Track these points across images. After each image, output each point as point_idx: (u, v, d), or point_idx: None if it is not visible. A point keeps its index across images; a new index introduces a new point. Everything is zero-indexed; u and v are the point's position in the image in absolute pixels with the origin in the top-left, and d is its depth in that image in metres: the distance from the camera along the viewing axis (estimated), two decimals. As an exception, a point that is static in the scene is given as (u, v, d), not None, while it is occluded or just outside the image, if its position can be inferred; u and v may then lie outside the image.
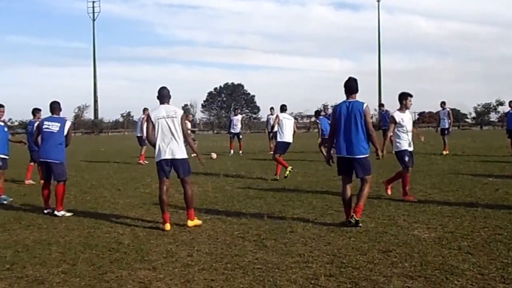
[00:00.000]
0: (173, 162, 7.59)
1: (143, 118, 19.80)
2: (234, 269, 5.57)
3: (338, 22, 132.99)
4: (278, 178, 13.35)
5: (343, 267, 5.48)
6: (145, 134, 18.61)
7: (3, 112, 11.12)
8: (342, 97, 7.65)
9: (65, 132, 9.07)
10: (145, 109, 20.37)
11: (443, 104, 21.12)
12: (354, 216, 7.30)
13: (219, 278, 5.29)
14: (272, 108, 23.99)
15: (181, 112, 7.73)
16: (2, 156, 10.70)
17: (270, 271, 5.42)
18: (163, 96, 7.79)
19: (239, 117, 25.65)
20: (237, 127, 24.42)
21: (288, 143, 13.74)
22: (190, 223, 7.65)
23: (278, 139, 13.69)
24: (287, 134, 13.66)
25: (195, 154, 8.41)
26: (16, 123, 70.45)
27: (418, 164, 16.06)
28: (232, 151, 23.60)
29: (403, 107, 9.68)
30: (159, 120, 7.60)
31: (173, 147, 7.55)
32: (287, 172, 13.26)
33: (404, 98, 9.66)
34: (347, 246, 6.36)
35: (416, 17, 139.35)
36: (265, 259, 5.90)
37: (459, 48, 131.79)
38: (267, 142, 23.81)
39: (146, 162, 18.97)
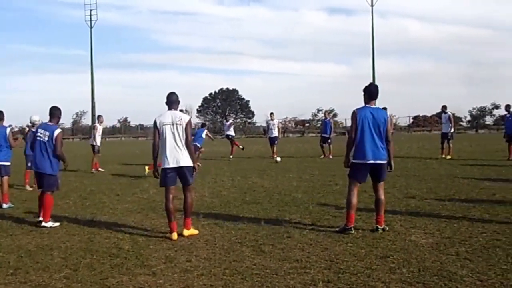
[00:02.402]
0: (178, 170, 7.50)
1: (94, 127, 19.90)
2: (232, 274, 5.60)
3: (332, 27, 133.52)
4: None
5: (341, 273, 5.51)
6: (97, 143, 18.81)
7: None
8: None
9: (53, 140, 8.74)
10: (99, 117, 20.52)
11: (444, 108, 21.18)
12: (379, 226, 7.43)
13: (218, 283, 5.32)
14: (272, 113, 24.19)
15: (187, 118, 7.60)
16: (4, 163, 10.71)
17: (268, 277, 5.45)
18: (171, 102, 7.68)
19: (231, 121, 26.30)
20: (230, 131, 24.89)
21: None
22: (186, 232, 7.51)
23: None
24: None
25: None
26: (16, 129, 70.29)
27: (414, 168, 16.21)
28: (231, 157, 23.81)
29: None
30: (164, 126, 7.49)
31: (177, 155, 7.44)
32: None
33: None
34: (345, 251, 6.40)
35: (410, 21, 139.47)
36: (263, 264, 5.94)
37: (455, 52, 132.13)
38: (263, 146, 23.93)
39: (102, 169, 18.96)
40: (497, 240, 6.70)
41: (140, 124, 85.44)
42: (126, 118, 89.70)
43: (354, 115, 7.53)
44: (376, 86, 7.73)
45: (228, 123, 25.92)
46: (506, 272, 5.37)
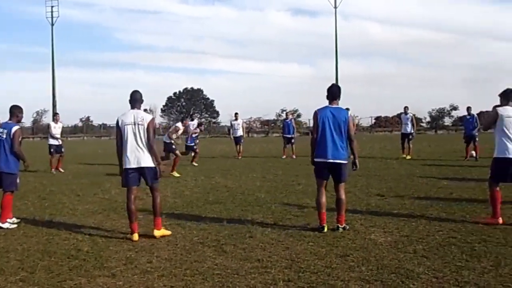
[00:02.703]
0: (140, 171, 7.41)
1: (48, 126, 19.56)
2: (193, 275, 5.58)
3: (296, 28, 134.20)
4: None
5: (301, 272, 5.56)
6: (54, 142, 18.49)
7: None
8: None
9: (11, 137, 8.56)
10: (55, 115, 20.33)
11: (406, 109, 21.57)
12: (339, 225, 7.50)
13: (178, 284, 5.30)
14: (236, 114, 24.27)
15: (149, 118, 7.47)
16: None
17: (229, 277, 5.46)
18: (134, 100, 7.56)
19: (195, 122, 25.95)
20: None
21: None
22: (157, 233, 7.39)
23: None
24: None
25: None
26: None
27: (375, 168, 16.45)
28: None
29: None
30: (126, 126, 7.38)
31: (139, 155, 7.35)
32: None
33: None
34: (306, 251, 6.46)
35: (372, 24, 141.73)
36: (224, 264, 5.94)
37: (415, 54, 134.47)
38: (227, 146, 23.93)
39: (62, 170, 18.56)
40: (453, 238, 6.87)
41: (103, 124, 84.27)
42: (88, 117, 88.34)
43: (316, 115, 7.63)
44: (338, 86, 7.83)
45: (192, 122, 25.55)
46: (460, 269, 5.51)
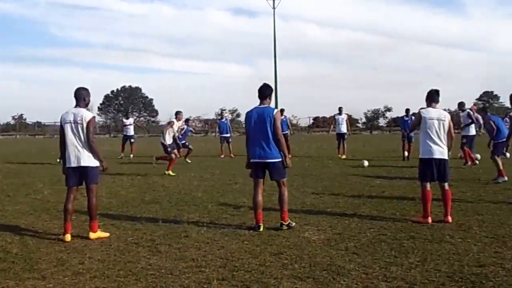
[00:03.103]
0: (79, 170, 7.27)
1: None
2: (126, 276, 5.52)
3: (236, 28, 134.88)
4: None
5: (235, 270, 5.60)
6: None
7: None
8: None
9: None
10: None
11: (340, 109, 22.03)
12: (283, 222, 7.56)
13: (111, 285, 5.23)
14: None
15: (89, 117, 7.32)
16: None
17: (163, 277, 5.44)
18: (77, 98, 7.40)
19: (131, 120, 25.70)
20: (130, 130, 24.55)
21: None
22: (92, 235, 7.23)
23: None
24: None
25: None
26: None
27: (310, 168, 16.73)
28: (122, 154, 23.52)
29: None
30: (66, 124, 7.28)
31: (78, 154, 7.22)
32: None
33: None
34: (240, 249, 6.51)
35: (310, 25, 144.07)
36: (158, 264, 5.90)
37: (352, 56, 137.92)
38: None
39: None
40: (383, 235, 7.09)
41: (37, 122, 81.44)
42: (21, 115, 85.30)
43: (246, 116, 7.75)
44: (268, 86, 7.87)
45: (128, 121, 25.33)
46: (389, 265, 5.69)
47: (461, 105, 17.19)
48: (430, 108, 8.16)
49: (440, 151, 7.97)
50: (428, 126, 8.02)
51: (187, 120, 21.51)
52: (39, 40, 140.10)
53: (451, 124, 8.17)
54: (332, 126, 22.48)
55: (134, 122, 26.36)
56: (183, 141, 19.31)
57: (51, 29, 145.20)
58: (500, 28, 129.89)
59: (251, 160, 7.70)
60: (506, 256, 5.92)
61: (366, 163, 17.57)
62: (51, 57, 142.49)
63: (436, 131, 7.99)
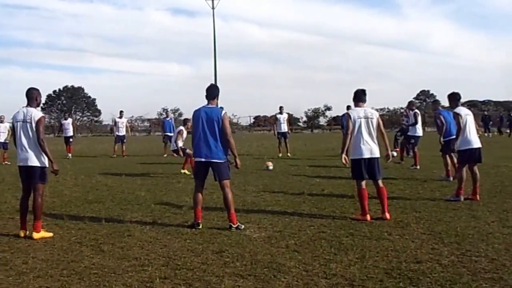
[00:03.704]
0: (27, 169, 7.21)
1: None
2: (70, 275, 5.47)
3: (176, 27, 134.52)
4: None
5: (178, 269, 5.63)
6: None
7: None
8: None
9: None
10: None
11: (281, 108, 22.25)
12: (232, 224, 7.56)
13: (54, 285, 5.18)
14: (121, 111, 24.37)
15: (38, 116, 7.23)
16: None
17: (106, 276, 5.41)
18: (28, 98, 7.36)
19: (70, 120, 25.63)
20: (69, 131, 24.44)
21: None
22: (36, 235, 7.12)
23: None
24: None
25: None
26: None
27: (252, 166, 16.85)
28: (70, 155, 23.34)
29: None
30: (16, 123, 7.26)
31: (26, 154, 7.18)
32: None
33: None
34: (183, 248, 6.53)
35: (250, 25, 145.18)
36: (101, 264, 5.87)
37: (291, 56, 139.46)
38: (109, 145, 23.64)
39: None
40: (323, 233, 7.24)
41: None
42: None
43: (194, 115, 7.77)
44: (216, 86, 8.02)
45: (66, 122, 25.11)
46: (329, 262, 5.82)
47: (410, 104, 17.37)
48: (357, 108, 8.34)
49: (370, 150, 8.13)
50: (356, 125, 8.16)
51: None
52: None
53: (380, 121, 8.36)
54: (275, 126, 22.64)
55: (72, 122, 25.95)
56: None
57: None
58: (434, 28, 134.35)
59: (196, 159, 7.73)
60: (443, 253, 6.10)
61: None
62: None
63: (366, 130, 8.15)
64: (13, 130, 7.46)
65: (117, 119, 24.39)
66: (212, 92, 7.82)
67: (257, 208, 9.19)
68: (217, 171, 7.67)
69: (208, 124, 7.58)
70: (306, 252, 6.26)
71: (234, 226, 7.56)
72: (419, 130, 16.40)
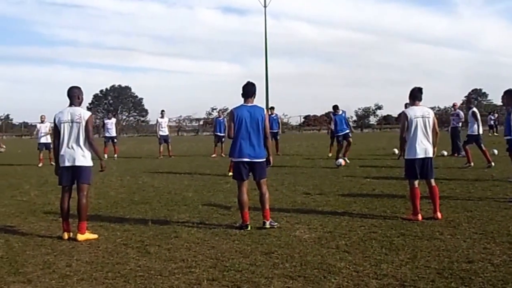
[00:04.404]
0: (73, 169, 7.20)
1: None
2: (115, 277, 5.42)
3: (226, 26, 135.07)
4: None
5: (226, 270, 5.53)
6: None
7: None
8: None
9: None
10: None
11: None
12: (265, 220, 7.48)
13: None
14: (163, 111, 23.65)
15: (87, 115, 7.29)
16: None
17: (153, 278, 5.35)
18: (70, 97, 7.35)
19: (113, 120, 25.00)
20: (112, 131, 23.80)
21: None
22: (80, 237, 7.10)
23: None
24: None
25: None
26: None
27: (302, 166, 16.68)
28: (106, 155, 22.81)
29: None
30: (63, 124, 7.22)
31: (74, 154, 7.16)
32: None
33: None
34: (231, 249, 6.43)
35: (301, 24, 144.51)
36: (147, 266, 5.81)
37: (342, 55, 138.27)
38: (155, 146, 23.50)
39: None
40: (374, 233, 7.04)
41: (24, 122, 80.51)
42: (8, 115, 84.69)
43: (232, 114, 7.67)
44: (253, 84, 7.80)
45: (109, 121, 24.33)
46: (380, 262, 5.64)
47: (469, 102, 17.07)
48: (415, 107, 8.13)
49: (425, 149, 7.95)
50: (413, 125, 7.97)
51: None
52: (24, 38, 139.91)
53: (435, 120, 8.17)
54: (332, 125, 22.03)
55: (116, 122, 25.54)
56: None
57: (37, 28, 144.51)
58: (487, 26, 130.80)
59: (237, 159, 7.61)
60: (495, 252, 5.92)
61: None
62: (38, 56, 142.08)
63: (422, 129, 7.97)
64: (55, 131, 7.41)
65: (159, 119, 23.61)
66: (249, 90, 7.71)
67: (307, 209, 9.03)
68: (259, 170, 7.58)
69: (252, 123, 7.49)
70: (356, 252, 6.09)
71: (268, 222, 7.48)
72: (479, 129, 15.91)
